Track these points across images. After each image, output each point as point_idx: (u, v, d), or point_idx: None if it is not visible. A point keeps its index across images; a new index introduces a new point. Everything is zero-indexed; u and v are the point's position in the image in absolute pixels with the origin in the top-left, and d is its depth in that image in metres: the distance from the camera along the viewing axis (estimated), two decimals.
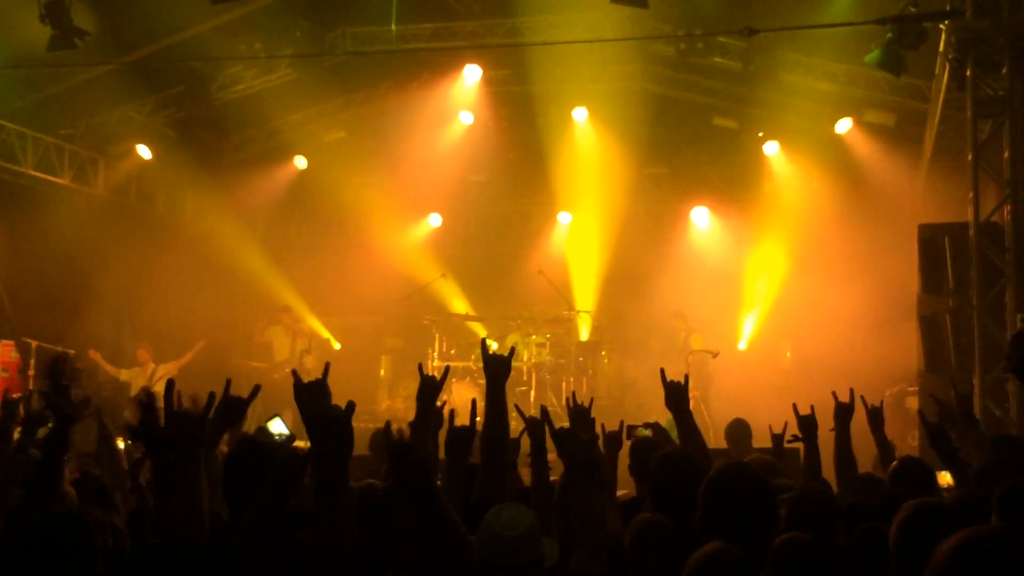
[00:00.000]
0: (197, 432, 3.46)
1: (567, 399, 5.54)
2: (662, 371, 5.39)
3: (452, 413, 4.66)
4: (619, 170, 17.33)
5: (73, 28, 12.34)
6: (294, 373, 3.37)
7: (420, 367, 4.82)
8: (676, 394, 5.41)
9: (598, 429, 5.50)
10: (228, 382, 3.72)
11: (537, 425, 4.88)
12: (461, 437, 4.26)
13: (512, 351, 4.91)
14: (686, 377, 5.43)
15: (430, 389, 4.53)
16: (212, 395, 3.65)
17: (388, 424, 3.47)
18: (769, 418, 6.63)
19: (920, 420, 5.32)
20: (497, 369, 4.60)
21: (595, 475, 4.46)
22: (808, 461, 5.36)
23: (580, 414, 5.30)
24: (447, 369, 4.79)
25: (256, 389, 4.29)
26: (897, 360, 12.91)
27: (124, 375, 14.83)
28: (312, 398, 3.38)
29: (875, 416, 5.76)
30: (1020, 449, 4.95)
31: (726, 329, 16.99)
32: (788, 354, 16.67)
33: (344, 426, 3.03)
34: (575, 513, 4.14)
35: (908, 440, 12.09)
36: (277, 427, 4.72)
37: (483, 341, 4.67)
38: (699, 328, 16.07)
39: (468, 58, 16.47)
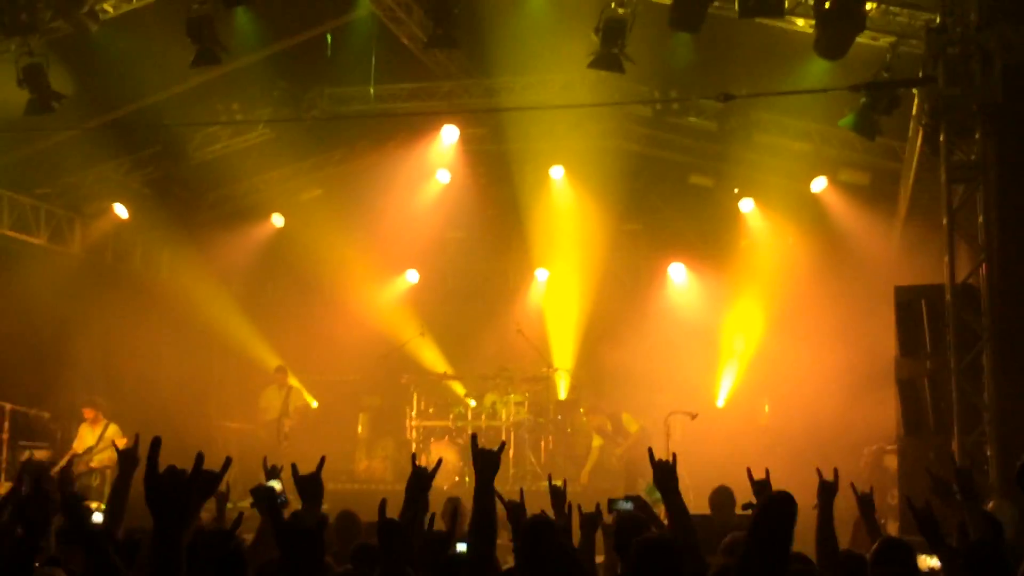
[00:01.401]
0: (183, 504, 2.81)
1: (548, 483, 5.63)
2: (650, 450, 5.33)
3: (432, 518, 4.63)
4: (596, 227, 17.43)
5: (51, 92, 12.32)
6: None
7: (413, 458, 4.78)
8: (665, 474, 5.34)
9: (575, 511, 5.56)
10: (200, 457, 2.96)
11: (517, 509, 4.86)
12: (434, 544, 4.25)
13: (502, 445, 4.87)
14: (674, 456, 5.36)
15: (421, 481, 4.51)
16: (200, 456, 2.97)
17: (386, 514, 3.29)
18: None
19: (907, 505, 5.31)
20: (486, 464, 4.55)
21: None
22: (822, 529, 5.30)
23: (558, 497, 5.51)
24: (439, 461, 4.79)
25: (227, 462, 3.99)
26: (875, 419, 12.91)
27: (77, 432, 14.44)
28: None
29: (866, 503, 5.78)
30: (997, 529, 4.93)
31: (704, 386, 16.96)
32: (767, 408, 16.62)
33: (316, 541, 2.99)
34: None
35: (887, 499, 12.08)
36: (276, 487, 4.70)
37: (473, 436, 4.64)
38: (622, 405, 15.73)
39: (445, 117, 16.52)
